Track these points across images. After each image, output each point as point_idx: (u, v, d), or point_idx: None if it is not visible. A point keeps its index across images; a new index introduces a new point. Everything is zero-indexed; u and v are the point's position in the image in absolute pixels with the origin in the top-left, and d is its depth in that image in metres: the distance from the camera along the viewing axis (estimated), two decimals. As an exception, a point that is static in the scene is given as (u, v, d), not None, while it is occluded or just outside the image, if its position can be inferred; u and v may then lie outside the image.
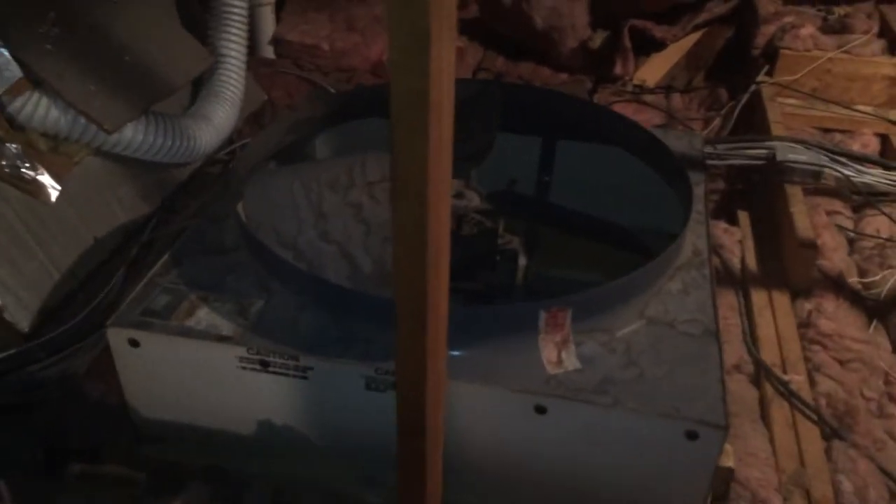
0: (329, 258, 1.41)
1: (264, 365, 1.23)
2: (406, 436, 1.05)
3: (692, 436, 1.15)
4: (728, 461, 1.34)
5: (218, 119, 2.10)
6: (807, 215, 1.94)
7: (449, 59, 0.82)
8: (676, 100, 2.90)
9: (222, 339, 1.24)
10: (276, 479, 1.38)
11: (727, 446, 1.33)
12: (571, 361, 1.22)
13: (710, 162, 2.21)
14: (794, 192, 2.04)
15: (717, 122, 2.66)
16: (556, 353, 1.23)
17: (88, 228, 1.79)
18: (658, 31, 2.94)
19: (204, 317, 1.28)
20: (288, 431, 1.31)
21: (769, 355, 1.68)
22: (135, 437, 1.38)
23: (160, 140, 1.89)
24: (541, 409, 1.18)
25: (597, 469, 1.23)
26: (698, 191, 1.66)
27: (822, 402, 1.58)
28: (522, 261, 1.73)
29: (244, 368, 1.24)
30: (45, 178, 1.71)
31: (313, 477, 1.36)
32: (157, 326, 1.26)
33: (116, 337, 1.26)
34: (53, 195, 1.71)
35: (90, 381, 1.48)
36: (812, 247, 1.85)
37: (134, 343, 1.26)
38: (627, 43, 2.88)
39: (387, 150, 1.42)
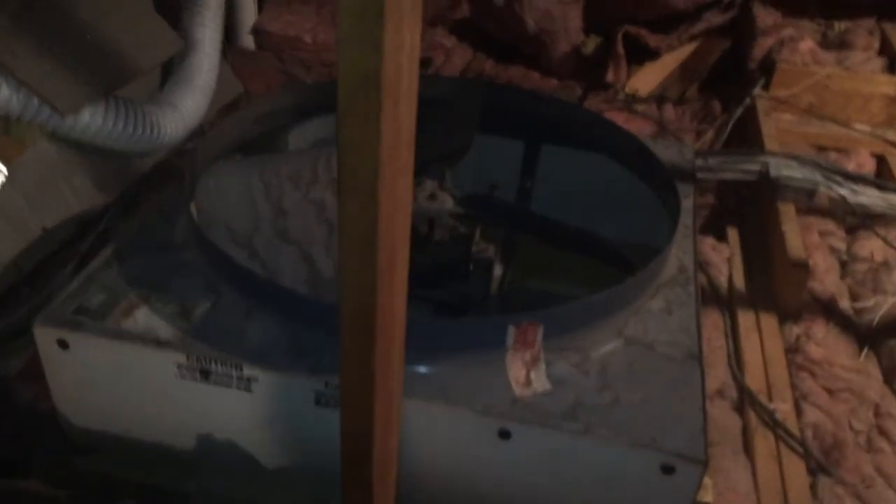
0: (287, 259, 1.30)
1: (205, 374, 1.13)
2: (350, 462, 0.94)
3: (668, 470, 1.05)
4: (706, 496, 1.24)
5: (186, 107, 1.98)
6: (799, 234, 1.85)
7: (412, 36, 0.72)
8: (669, 111, 2.81)
9: (160, 343, 1.13)
10: (217, 501, 1.27)
11: (706, 480, 1.23)
12: (541, 382, 1.12)
13: (700, 175, 2.12)
14: (787, 210, 1.95)
15: (709, 134, 2.57)
16: (525, 372, 1.12)
17: (37, 218, 1.68)
18: (653, 40, 2.85)
19: (142, 318, 1.17)
20: (231, 448, 1.20)
21: (754, 381, 1.59)
22: (66, 447, 1.27)
23: (120, 126, 1.77)
24: (505, 434, 1.08)
25: (564, 500, 1.13)
26: (686, 203, 1.56)
27: (809, 433, 1.49)
28: (498, 270, 1.62)
29: (183, 377, 1.14)
30: (-8, 162, 1.60)
31: (258, 499, 1.25)
32: (89, 327, 1.15)
33: (44, 337, 1.15)
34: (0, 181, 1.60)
35: (22, 384, 1.37)
36: (804, 267, 1.75)
37: (63, 344, 1.15)
38: (621, 50, 2.79)
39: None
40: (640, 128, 2.63)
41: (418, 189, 1.49)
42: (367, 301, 0.81)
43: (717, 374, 1.61)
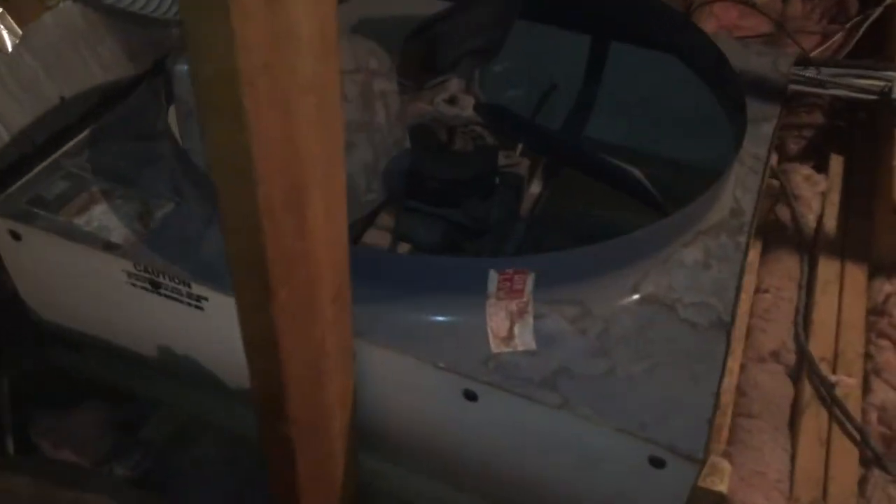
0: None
1: (155, 286, 1.02)
2: (264, 419, 0.82)
3: (657, 463, 0.87)
4: (719, 484, 1.05)
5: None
6: (913, 173, 1.54)
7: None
8: (795, 6, 2.41)
9: (109, 247, 1.02)
10: (184, 413, 1.19)
11: (724, 463, 1.04)
12: (525, 340, 0.95)
13: (809, 89, 1.80)
14: (906, 142, 1.62)
15: (837, 38, 2.18)
16: (508, 325, 0.95)
17: (55, 86, 1.58)
18: (787, -81, 2.42)
19: (98, 216, 1.06)
20: (191, 363, 1.11)
21: (821, 345, 1.35)
22: (36, 338, 1.21)
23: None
24: (471, 395, 0.93)
25: (539, 476, 0.98)
26: (762, 129, 1.30)
27: (873, 416, 1.26)
28: (535, 188, 1.42)
29: (134, 286, 1.03)
30: (5, 21, 1.50)
31: (223, 417, 1.17)
32: (41, 220, 1.05)
33: (-2, 225, 1.07)
34: (10, 43, 1.50)
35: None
36: (908, 215, 1.46)
37: (15, 236, 1.06)
38: (744, -71, 2.38)
39: (364, 33, 1.11)
40: (754, 25, 2.26)
41: (437, 90, 1.29)
42: (252, 244, 0.65)
43: (778, 331, 1.38)
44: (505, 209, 1.31)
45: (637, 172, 1.24)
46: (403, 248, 1.42)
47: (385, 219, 1.31)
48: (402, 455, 1.07)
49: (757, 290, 1.46)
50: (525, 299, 0.96)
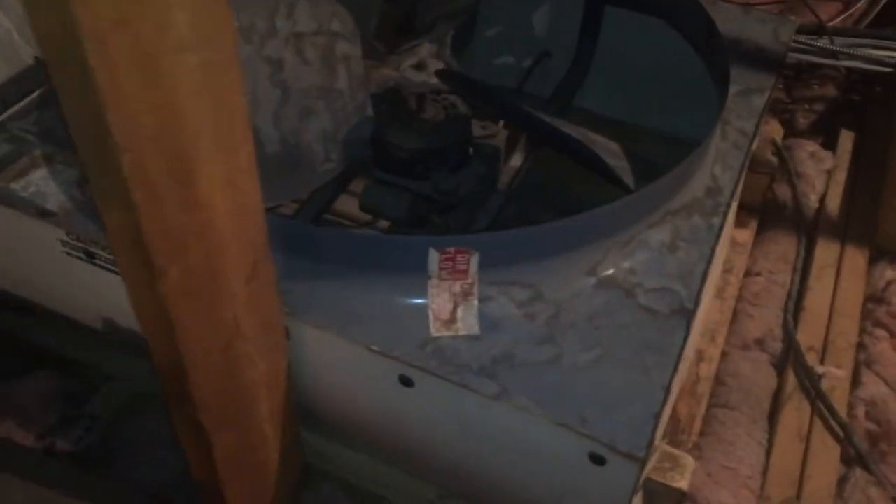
0: (224, 127, 1.10)
1: (89, 256, 0.98)
2: (171, 401, 0.77)
3: (598, 460, 0.81)
4: (680, 480, 0.99)
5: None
6: (925, 152, 1.44)
7: None
8: (821, -29, 2.28)
9: (44, 213, 0.98)
10: (134, 386, 1.16)
11: (686, 458, 0.98)
12: (468, 323, 0.89)
13: (821, 60, 1.70)
14: (920, 118, 1.52)
15: (860, 5, 2.05)
16: (451, 307, 0.89)
17: (29, 47, 1.55)
18: None
19: (37, 181, 1.02)
20: (134, 336, 1.07)
21: (810, 334, 1.27)
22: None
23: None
24: (406, 381, 0.87)
25: (479, 467, 0.93)
26: (756, 101, 1.21)
27: (861, 411, 1.18)
28: (517, 161, 1.35)
29: (69, 254, 0.99)
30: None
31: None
32: (-24, 184, 1.01)
33: (-65, 188, 1.03)
34: (-21, 1, 1.46)
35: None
36: (916, 197, 1.37)
37: (-47, 199, 1.03)
38: None
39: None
40: (773, -9, 2.15)
41: (406, 55, 1.22)
42: (126, 219, 0.60)
43: (766, 318, 1.30)
44: (477, 182, 1.24)
45: (616, 147, 1.17)
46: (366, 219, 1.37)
47: (358, 185, 1.26)
48: (347, 437, 1.03)
49: (748, 273, 1.39)
50: (470, 280, 0.90)
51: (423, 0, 1.35)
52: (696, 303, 0.93)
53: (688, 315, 0.91)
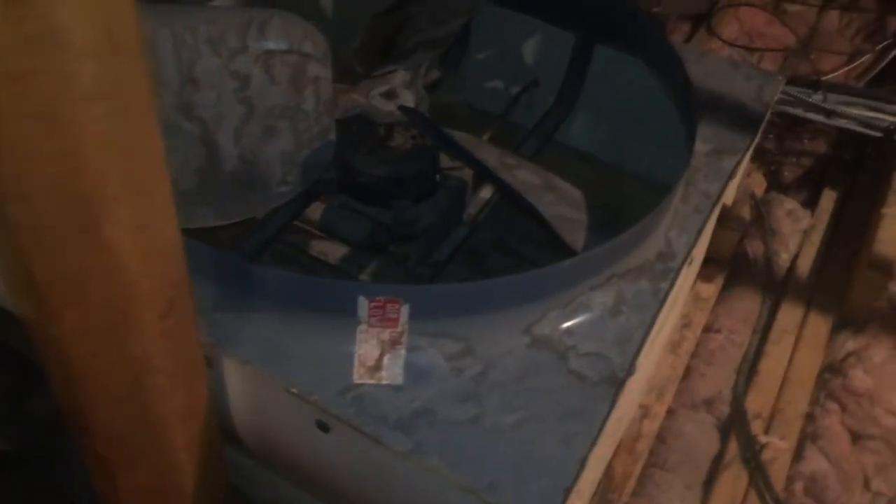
0: (182, 139, 1.09)
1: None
2: (73, 432, 0.77)
3: (503, 529, 0.80)
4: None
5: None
6: (901, 224, 1.42)
7: None
8: (832, 17, 2.25)
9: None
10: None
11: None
12: (393, 373, 0.88)
13: (812, 116, 1.67)
14: (902, 187, 1.49)
15: (865, 59, 2.03)
16: (377, 354, 0.88)
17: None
18: (835, -77, 2.24)
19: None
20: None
21: (759, 400, 1.26)
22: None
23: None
24: (323, 426, 0.87)
25: (393, 514, 0.92)
26: (726, 162, 1.19)
27: (799, 486, 1.17)
28: (487, 192, 1.34)
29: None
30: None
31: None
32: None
33: None
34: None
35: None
36: (884, 270, 1.34)
37: None
38: (786, -70, 2.22)
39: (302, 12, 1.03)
40: (779, 36, 2.12)
41: (379, 81, 1.21)
42: (18, 264, 0.59)
43: (718, 378, 1.29)
44: (441, 214, 1.23)
45: (578, 195, 1.15)
46: (326, 242, 1.36)
47: (321, 206, 1.25)
48: (274, 466, 1.02)
49: (708, 329, 1.37)
50: (399, 329, 0.89)
51: (411, 21, 1.33)
52: (629, 372, 0.91)
53: (617, 385, 0.90)
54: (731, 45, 2.03)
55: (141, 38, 0.60)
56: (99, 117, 0.57)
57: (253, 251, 1.14)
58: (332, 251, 1.41)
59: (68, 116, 0.55)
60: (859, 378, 1.29)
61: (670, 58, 1.23)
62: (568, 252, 0.98)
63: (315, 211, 1.28)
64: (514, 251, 1.49)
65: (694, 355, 1.32)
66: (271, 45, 1.13)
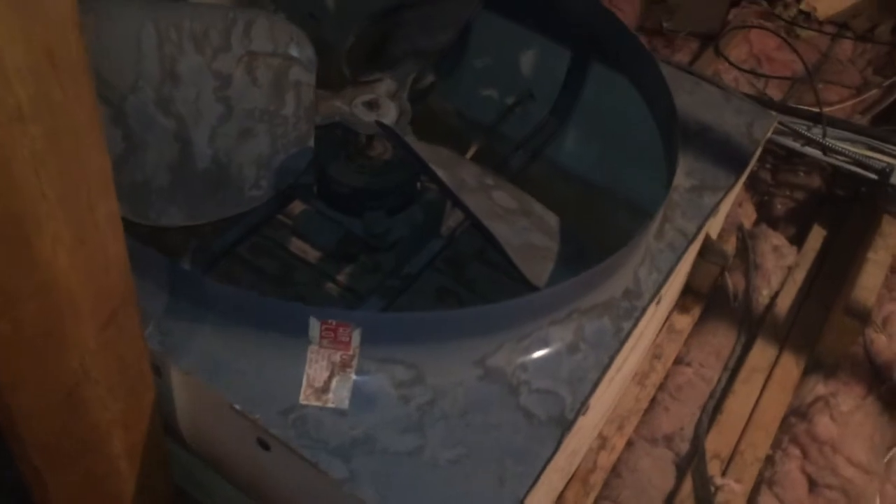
0: (157, 135, 1.08)
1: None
2: (6, 438, 0.76)
3: (432, 566, 0.80)
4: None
5: None
6: (884, 272, 1.40)
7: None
8: (844, 46, 2.21)
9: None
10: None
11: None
12: (339, 395, 0.87)
13: (809, 152, 1.65)
14: (890, 233, 1.47)
15: (872, 94, 2.00)
16: (326, 376, 0.88)
17: None
18: (855, -50, 2.20)
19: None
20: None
21: (721, 440, 1.25)
22: None
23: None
24: (264, 444, 0.86)
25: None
26: (707, 200, 1.17)
27: (750, 532, 1.16)
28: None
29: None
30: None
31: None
32: None
33: None
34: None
35: None
36: (861, 317, 1.33)
37: None
38: (805, -46, 2.18)
39: (290, 14, 1.02)
40: (789, 61, 2.08)
41: (363, 89, 1.19)
42: None
43: (682, 414, 1.28)
44: (415, 227, 1.22)
45: (553, 222, 1.14)
46: (306, 252, 1.35)
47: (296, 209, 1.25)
48: (220, 472, 1.02)
49: (678, 362, 1.36)
50: (351, 353, 0.88)
51: (402, 28, 1.31)
52: (578, 413, 0.90)
53: (565, 426, 0.89)
54: (737, 67, 2.00)
55: (85, 53, 0.59)
56: (35, 137, 0.56)
57: (218, 254, 1.14)
58: (312, 249, 1.41)
59: (3, 138, 0.54)
60: (824, 425, 1.28)
61: (659, 86, 1.21)
62: (528, 283, 0.96)
63: (297, 207, 1.28)
64: (494, 262, 1.48)
65: (661, 388, 1.31)
66: (255, 46, 1.12)
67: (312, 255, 1.43)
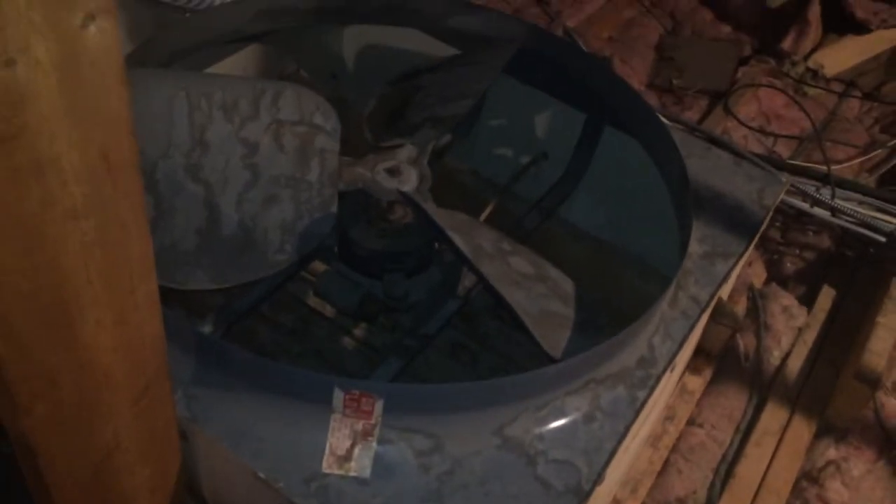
0: (186, 200, 1.11)
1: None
2: (35, 498, 0.78)
3: None
4: None
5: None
6: (893, 335, 1.42)
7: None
8: (852, 104, 2.25)
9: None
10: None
11: None
12: (361, 464, 0.89)
13: (819, 213, 1.68)
14: (899, 296, 1.49)
15: (877, 154, 2.03)
16: (349, 444, 0.90)
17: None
18: (862, 10, 2.25)
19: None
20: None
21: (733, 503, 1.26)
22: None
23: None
24: (286, 511, 0.88)
25: None
26: (719, 267, 1.20)
27: None
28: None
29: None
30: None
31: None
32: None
33: None
34: None
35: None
36: (872, 382, 1.34)
37: None
38: (812, 16, 2.23)
39: (317, 85, 1.06)
40: (797, 119, 2.12)
41: (385, 155, 1.23)
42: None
43: (695, 476, 1.29)
44: (432, 290, 1.25)
45: (569, 287, 1.16)
46: (323, 306, 1.38)
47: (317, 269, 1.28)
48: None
49: (690, 422, 1.38)
50: (373, 422, 0.90)
51: (420, 94, 1.35)
52: (595, 483, 0.92)
53: (581, 497, 0.90)
54: (746, 126, 2.04)
55: (137, 152, 0.62)
56: (86, 231, 0.59)
57: (241, 313, 1.16)
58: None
59: (52, 234, 0.57)
60: (836, 489, 1.29)
61: (672, 155, 1.24)
62: (546, 354, 0.99)
63: (317, 264, 1.30)
64: (506, 318, 1.50)
65: (674, 449, 1.33)
66: (283, 115, 1.16)
67: (329, 309, 1.45)
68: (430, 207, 1.13)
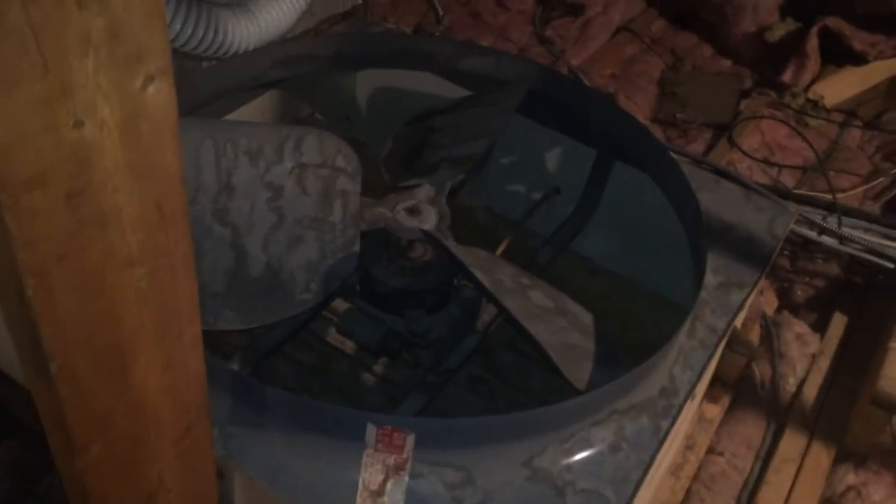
0: (214, 243, 1.15)
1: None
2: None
3: None
4: None
5: (265, 17, 1.83)
6: (907, 360, 1.44)
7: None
8: (853, 134, 2.29)
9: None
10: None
11: None
12: (395, 499, 0.91)
13: (827, 241, 1.71)
14: (911, 322, 1.52)
15: (880, 182, 2.06)
16: (381, 479, 0.92)
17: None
18: (859, 41, 2.30)
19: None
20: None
21: (756, 531, 1.27)
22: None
23: (178, 24, 1.65)
24: (322, 547, 0.90)
25: None
26: (734, 297, 1.22)
27: None
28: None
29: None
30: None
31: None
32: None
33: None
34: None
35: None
36: (888, 407, 1.36)
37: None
38: (811, 48, 2.28)
39: (336, 130, 1.10)
40: (800, 149, 2.16)
41: (403, 195, 1.26)
42: (51, 407, 0.63)
43: (716, 502, 1.30)
44: (452, 325, 1.27)
45: (588, 320, 1.19)
46: (343, 343, 1.40)
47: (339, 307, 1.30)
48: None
49: (711, 451, 1.39)
50: (405, 456, 0.92)
51: (435, 135, 1.39)
52: (624, 512, 0.94)
53: (611, 525, 0.92)
54: (751, 157, 2.08)
55: (186, 201, 0.65)
56: (140, 277, 0.62)
57: (266, 352, 1.19)
58: (349, 340, 1.46)
59: (110, 282, 0.60)
60: (858, 515, 1.30)
61: (684, 190, 1.28)
62: (572, 386, 1.01)
63: (338, 302, 1.33)
64: (522, 350, 1.52)
65: (695, 478, 1.34)
66: (306, 159, 1.19)
67: (349, 346, 1.48)
68: (451, 245, 1.16)
